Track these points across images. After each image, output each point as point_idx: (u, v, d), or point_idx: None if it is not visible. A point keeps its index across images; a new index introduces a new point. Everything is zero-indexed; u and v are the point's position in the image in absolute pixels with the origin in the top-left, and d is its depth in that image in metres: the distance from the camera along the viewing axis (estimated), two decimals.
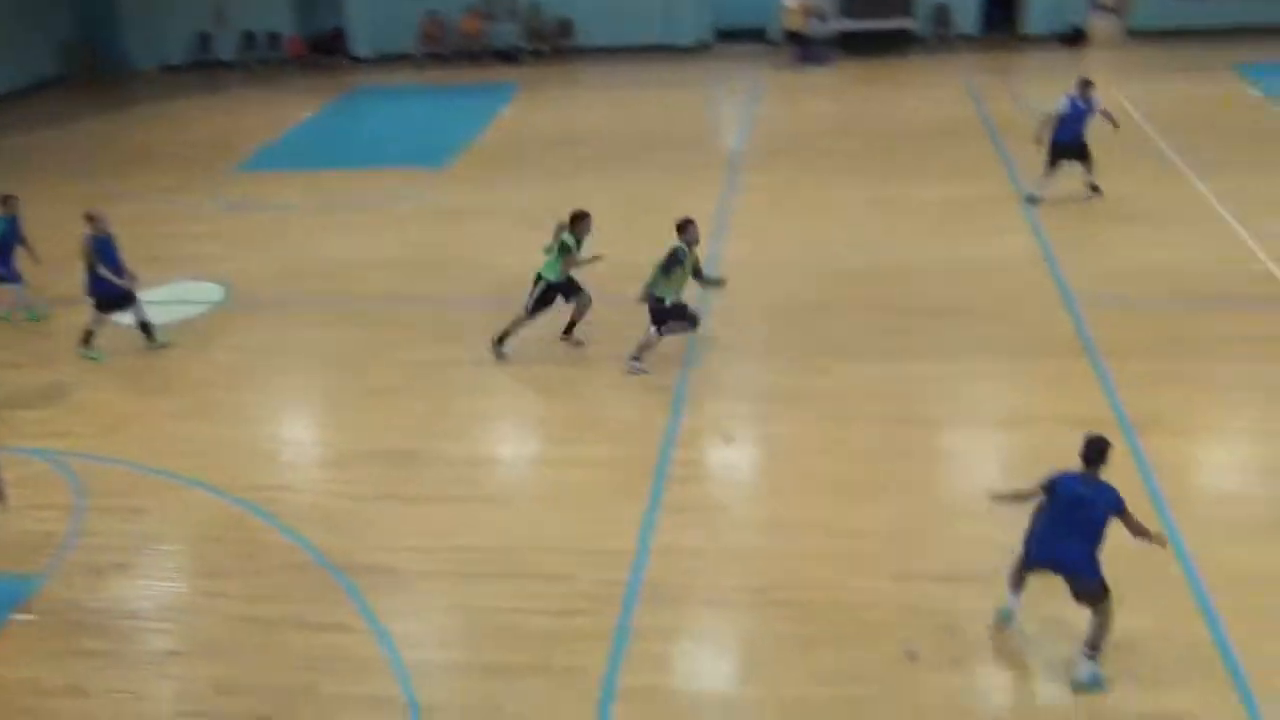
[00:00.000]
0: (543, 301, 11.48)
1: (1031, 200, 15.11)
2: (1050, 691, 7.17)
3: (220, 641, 7.91)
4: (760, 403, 10.79)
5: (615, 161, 18.01)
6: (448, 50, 26.09)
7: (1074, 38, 23.56)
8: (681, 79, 23.32)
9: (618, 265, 11.55)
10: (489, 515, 9.18)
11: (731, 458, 10.06)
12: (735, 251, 14.05)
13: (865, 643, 7.55)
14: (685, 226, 11.05)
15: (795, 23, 23.50)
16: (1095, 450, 7.10)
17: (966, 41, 24.38)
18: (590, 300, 11.61)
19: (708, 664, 7.66)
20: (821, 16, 23.77)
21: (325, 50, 27.01)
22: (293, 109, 22.74)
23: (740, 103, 21.46)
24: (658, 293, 11.01)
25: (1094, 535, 7.07)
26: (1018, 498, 7.45)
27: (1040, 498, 7.27)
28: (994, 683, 7.28)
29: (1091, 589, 7.14)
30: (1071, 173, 15.12)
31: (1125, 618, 7.64)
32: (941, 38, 24.22)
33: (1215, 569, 8.01)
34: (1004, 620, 7.60)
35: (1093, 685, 7.16)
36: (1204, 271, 12.77)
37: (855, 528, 8.75)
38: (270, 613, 8.15)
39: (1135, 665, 7.23)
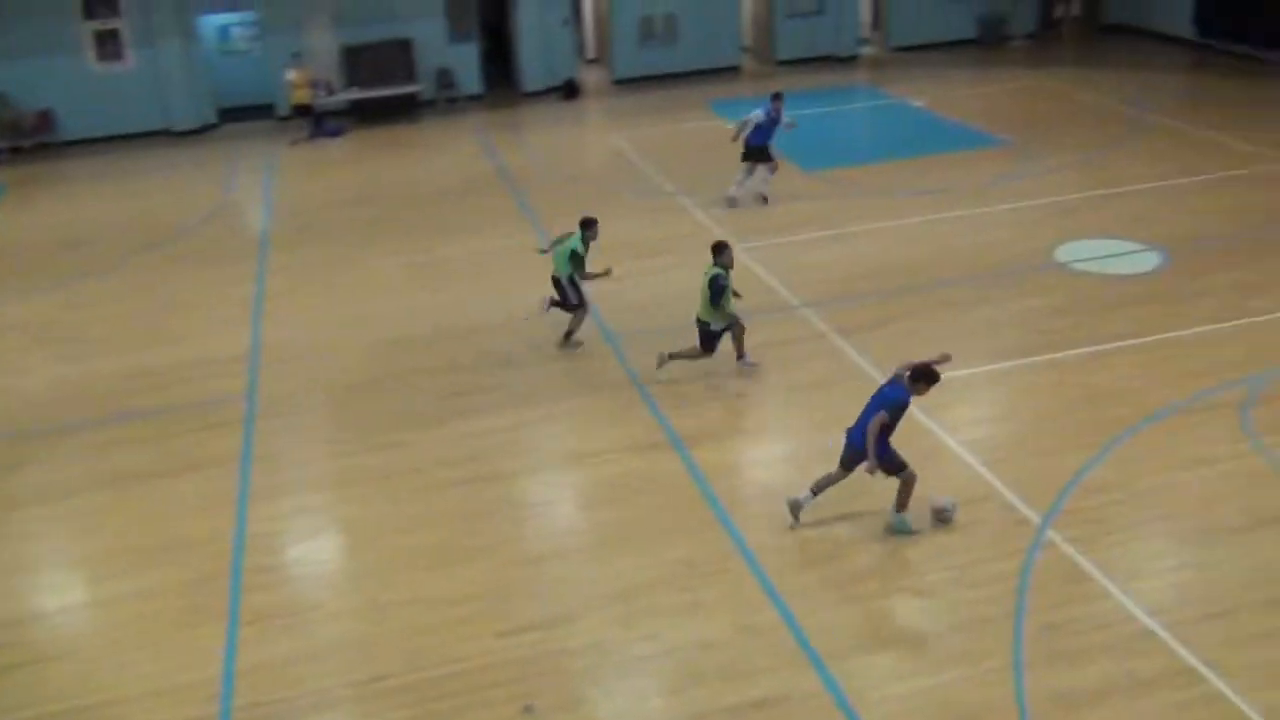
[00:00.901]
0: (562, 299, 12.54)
1: (731, 203, 16.95)
2: (657, 709, 7.58)
3: None
4: (331, 489, 10.47)
5: (129, 259, 16.68)
6: None
7: (569, 90, 25.17)
8: (191, 162, 22.11)
9: (141, 374, 10.64)
10: (47, 677, 8.14)
11: (312, 551, 9.67)
12: (278, 336, 13.54)
13: (484, 707, 7.57)
14: (721, 249, 11.41)
15: (301, 96, 23.12)
16: (919, 372, 8.49)
17: (472, 101, 25.25)
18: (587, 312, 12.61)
19: None
20: (328, 88, 23.59)
21: None
22: None
23: (258, 182, 20.75)
24: (707, 319, 11.51)
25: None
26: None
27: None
28: (609, 711, 7.58)
29: (874, 464, 8.66)
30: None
31: (704, 622, 8.27)
32: (448, 99, 24.90)
33: (773, 559, 8.89)
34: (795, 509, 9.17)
35: (901, 528, 8.93)
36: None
37: (453, 594, 8.76)
38: None
39: (723, 662, 7.84)
